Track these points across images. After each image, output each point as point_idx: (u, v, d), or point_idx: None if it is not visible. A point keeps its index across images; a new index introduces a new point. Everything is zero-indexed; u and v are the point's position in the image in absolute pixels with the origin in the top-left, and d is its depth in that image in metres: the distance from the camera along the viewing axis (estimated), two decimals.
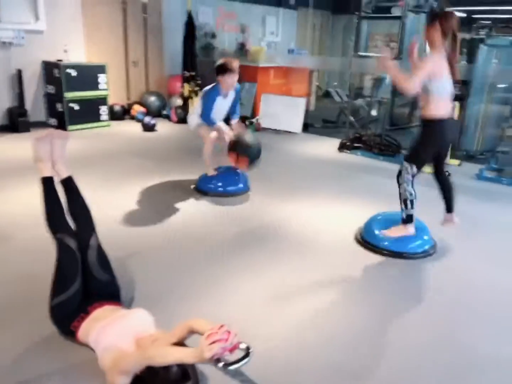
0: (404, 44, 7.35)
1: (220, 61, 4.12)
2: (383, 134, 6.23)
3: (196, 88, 7.58)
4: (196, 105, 4.45)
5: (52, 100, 6.71)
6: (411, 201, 3.09)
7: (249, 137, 4.09)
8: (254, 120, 7.26)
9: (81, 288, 2.14)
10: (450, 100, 2.96)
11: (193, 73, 7.50)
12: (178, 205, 3.91)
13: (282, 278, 2.77)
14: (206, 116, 4.10)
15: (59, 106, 6.59)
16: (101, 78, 6.78)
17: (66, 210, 2.16)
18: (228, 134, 4.15)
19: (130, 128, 6.98)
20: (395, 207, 3.42)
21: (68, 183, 2.17)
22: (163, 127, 7.18)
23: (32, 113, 6.68)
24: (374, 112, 8.36)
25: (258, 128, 7.27)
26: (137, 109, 7.53)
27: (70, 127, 6.61)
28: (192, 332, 1.87)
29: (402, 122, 7.90)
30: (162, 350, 1.72)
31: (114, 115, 7.29)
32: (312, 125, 7.55)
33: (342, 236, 3.43)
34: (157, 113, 7.91)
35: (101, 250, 2.21)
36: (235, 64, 4.06)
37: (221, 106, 4.23)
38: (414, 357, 2.11)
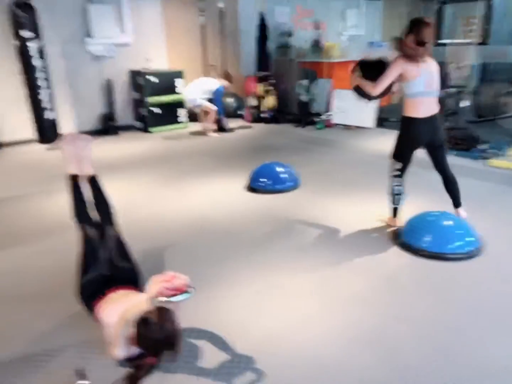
0: (492, 26, 6.70)
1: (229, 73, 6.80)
2: (458, 126, 5.76)
3: (270, 88, 7.75)
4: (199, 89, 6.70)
5: (137, 105, 7.40)
6: (394, 196, 3.34)
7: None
8: (323, 116, 7.19)
9: (102, 272, 2.41)
10: (428, 100, 3.06)
11: (266, 73, 7.67)
12: (225, 202, 4.09)
13: (307, 275, 2.78)
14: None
15: (142, 111, 7.25)
16: (179, 83, 7.28)
17: (90, 204, 2.45)
18: None
19: None
20: (450, 207, 3.36)
21: (93, 181, 2.46)
22: (236, 127, 7.46)
23: (121, 117, 7.45)
24: (465, 103, 7.78)
25: (328, 125, 7.19)
26: None
27: (151, 129, 7.23)
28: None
29: (491, 113, 7.18)
30: (127, 308, 1.99)
31: (193, 117, 7.75)
32: (387, 119, 7.23)
33: (382, 234, 3.31)
34: (233, 114, 8.24)
35: (120, 240, 2.46)
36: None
37: None
38: (430, 365, 2.00)
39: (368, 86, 3.08)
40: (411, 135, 3.15)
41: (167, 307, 1.93)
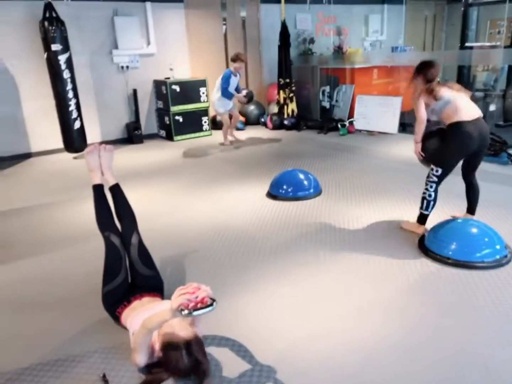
0: None
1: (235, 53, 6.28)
2: None
3: (291, 95, 7.76)
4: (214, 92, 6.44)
5: (161, 114, 7.53)
6: (428, 203, 3.28)
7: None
8: (346, 123, 7.14)
9: (126, 280, 2.46)
10: (464, 102, 3.08)
11: (288, 80, 7.69)
12: (247, 209, 4.10)
13: (328, 283, 2.77)
14: (225, 90, 6.23)
15: (166, 119, 7.37)
16: (202, 91, 7.37)
17: (113, 213, 2.50)
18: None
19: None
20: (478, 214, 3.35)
21: (115, 190, 2.51)
22: (258, 135, 7.49)
23: (145, 126, 7.60)
24: (492, 107, 7.63)
25: (350, 131, 7.14)
26: None
27: (176, 138, 7.34)
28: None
29: None
30: (150, 316, 1.96)
31: (216, 125, 7.82)
32: (410, 124, 7.12)
33: (406, 242, 3.25)
34: (256, 121, 8.28)
35: (143, 247, 2.50)
36: (244, 57, 6.34)
37: (233, 82, 6.28)
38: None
39: (416, 128, 3.25)
40: (463, 141, 3.06)
41: (198, 337, 1.96)
